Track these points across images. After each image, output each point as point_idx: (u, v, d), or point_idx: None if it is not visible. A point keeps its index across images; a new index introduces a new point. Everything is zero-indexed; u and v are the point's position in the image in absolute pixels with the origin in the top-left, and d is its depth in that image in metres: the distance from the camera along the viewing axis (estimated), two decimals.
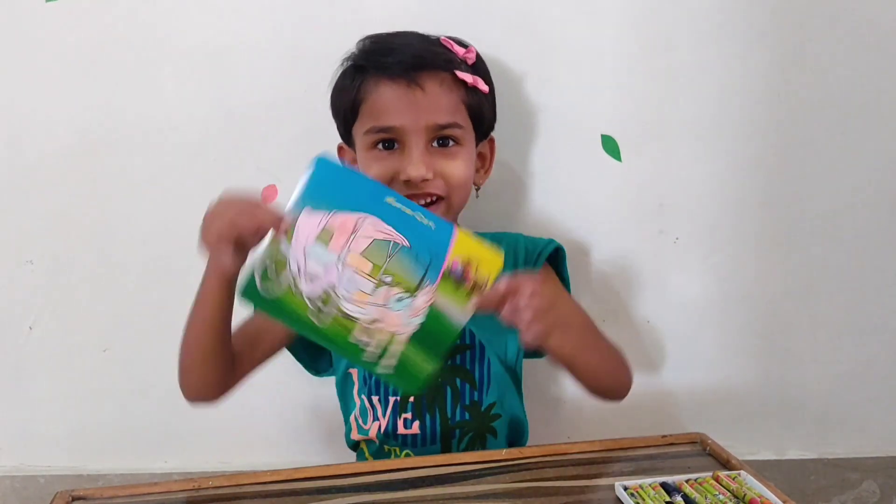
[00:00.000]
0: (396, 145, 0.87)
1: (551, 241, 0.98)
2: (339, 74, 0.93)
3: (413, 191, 0.86)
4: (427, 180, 0.86)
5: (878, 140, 1.10)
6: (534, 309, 0.72)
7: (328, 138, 1.07)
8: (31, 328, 1.15)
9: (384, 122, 0.86)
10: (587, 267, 1.12)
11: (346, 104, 0.90)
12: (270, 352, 0.93)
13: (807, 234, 1.13)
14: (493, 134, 0.99)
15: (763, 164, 1.11)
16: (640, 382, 1.16)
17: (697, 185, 1.11)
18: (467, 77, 0.87)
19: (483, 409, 0.93)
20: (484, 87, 0.89)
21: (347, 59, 0.92)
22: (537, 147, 1.09)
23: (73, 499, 0.77)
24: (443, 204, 0.89)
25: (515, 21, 1.06)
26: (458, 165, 0.88)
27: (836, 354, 1.17)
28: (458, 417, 0.92)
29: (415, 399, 0.92)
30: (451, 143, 0.88)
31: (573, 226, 1.12)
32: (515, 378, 0.98)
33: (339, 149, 0.97)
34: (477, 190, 0.97)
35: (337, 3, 1.06)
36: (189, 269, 1.12)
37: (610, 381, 0.90)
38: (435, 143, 0.88)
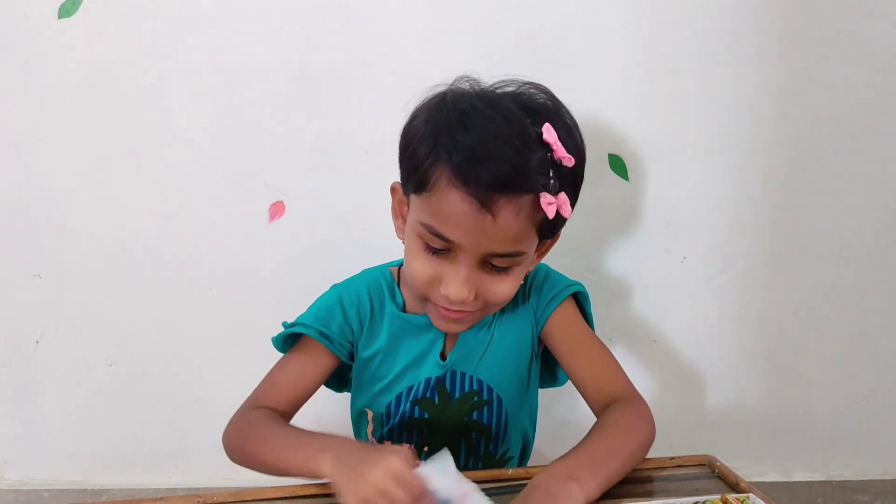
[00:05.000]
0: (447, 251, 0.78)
1: (575, 283, 0.91)
2: (419, 127, 0.78)
3: (447, 305, 0.79)
4: (464, 302, 0.77)
5: (886, 162, 1.10)
6: None
7: (335, 156, 1.09)
8: (37, 342, 1.15)
9: (443, 231, 0.76)
10: (594, 286, 1.11)
11: (413, 173, 0.78)
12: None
13: (815, 254, 1.13)
14: None
15: (770, 184, 1.11)
16: (647, 403, 1.16)
17: (704, 204, 1.12)
18: (550, 210, 0.75)
19: (497, 457, 0.91)
20: (566, 213, 0.77)
21: (433, 108, 0.77)
22: None
23: None
24: (476, 313, 0.81)
25: (523, 41, 1.07)
26: (505, 286, 0.79)
27: (843, 376, 1.16)
28: (469, 467, 0.90)
29: (429, 449, 0.88)
30: (506, 266, 0.79)
31: (580, 244, 1.12)
32: (531, 408, 0.95)
33: (393, 189, 0.86)
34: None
35: (346, 23, 1.07)
36: (196, 285, 1.14)
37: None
38: (488, 264, 0.78)
